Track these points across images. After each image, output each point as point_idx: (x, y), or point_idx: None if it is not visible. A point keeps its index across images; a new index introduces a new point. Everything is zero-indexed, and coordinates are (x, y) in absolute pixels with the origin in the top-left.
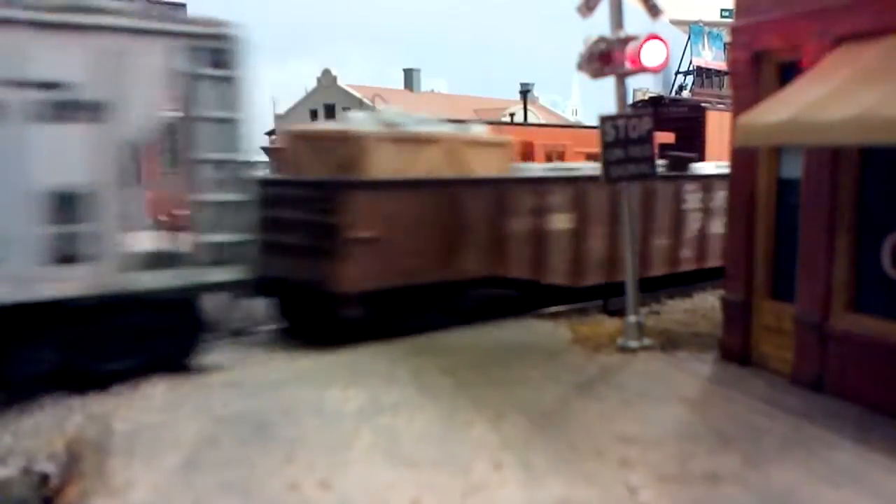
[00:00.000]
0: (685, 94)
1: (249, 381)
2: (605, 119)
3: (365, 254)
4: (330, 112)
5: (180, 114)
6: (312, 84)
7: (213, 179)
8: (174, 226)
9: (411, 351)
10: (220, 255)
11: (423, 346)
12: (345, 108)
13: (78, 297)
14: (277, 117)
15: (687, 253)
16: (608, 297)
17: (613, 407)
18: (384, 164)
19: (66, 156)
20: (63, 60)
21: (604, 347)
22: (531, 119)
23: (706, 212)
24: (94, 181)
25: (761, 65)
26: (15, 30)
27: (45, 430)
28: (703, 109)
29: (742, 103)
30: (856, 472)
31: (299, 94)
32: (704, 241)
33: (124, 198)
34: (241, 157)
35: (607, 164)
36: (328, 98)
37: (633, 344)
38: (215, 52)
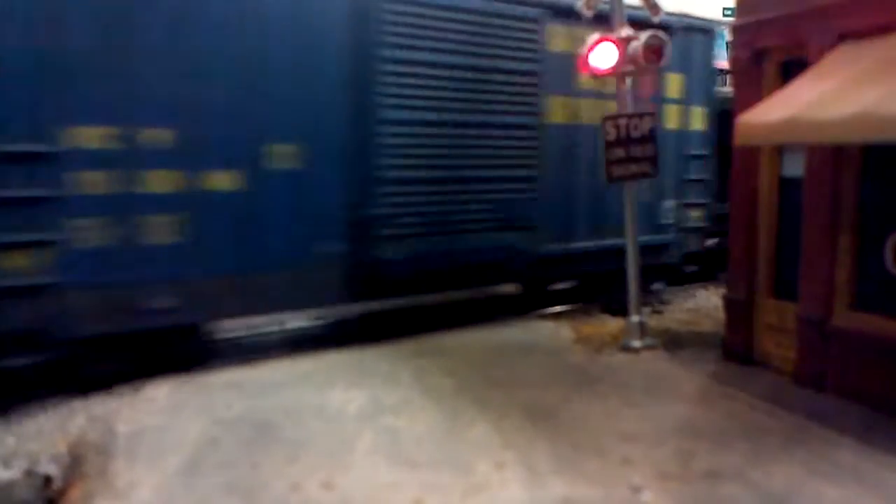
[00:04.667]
0: None
1: (251, 382)
2: (606, 118)
3: None
4: None
5: None
6: None
7: None
8: None
9: (413, 351)
10: None
11: (425, 347)
12: None
13: None
14: None
15: None
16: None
17: (616, 406)
18: None
19: None
20: None
21: (606, 347)
22: None
23: None
24: None
25: (763, 63)
26: None
27: (48, 432)
28: None
29: (744, 102)
30: (858, 471)
31: None
32: None
33: None
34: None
35: (609, 164)
36: None
37: (636, 343)
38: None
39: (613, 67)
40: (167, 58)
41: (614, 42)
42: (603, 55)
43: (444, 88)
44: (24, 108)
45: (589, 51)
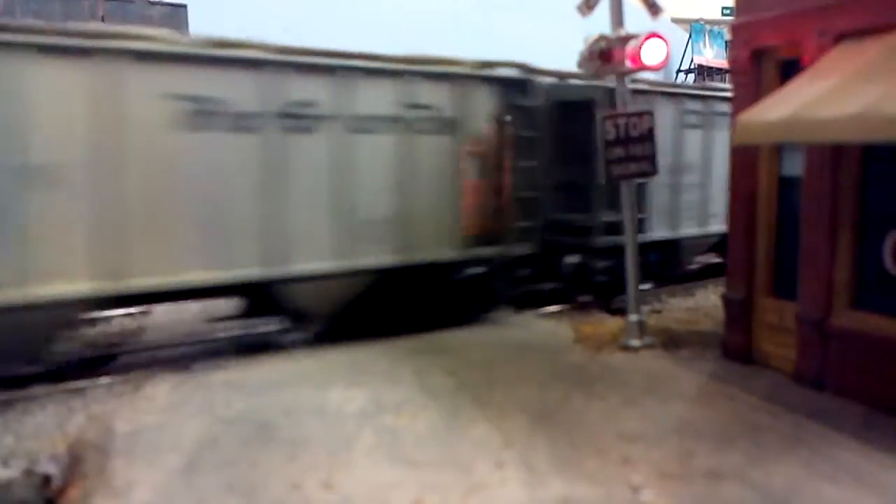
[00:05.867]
0: None
1: (251, 381)
2: (605, 117)
3: None
4: None
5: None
6: None
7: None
8: None
9: (413, 350)
10: None
11: (425, 346)
12: None
13: None
14: None
15: None
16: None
17: (615, 405)
18: None
19: None
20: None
21: (606, 346)
22: None
23: None
24: None
25: (762, 62)
26: None
27: (47, 431)
28: None
29: (743, 101)
30: (857, 470)
31: None
32: None
33: None
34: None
35: (608, 163)
36: None
37: (635, 343)
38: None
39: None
40: None
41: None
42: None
43: None
44: None
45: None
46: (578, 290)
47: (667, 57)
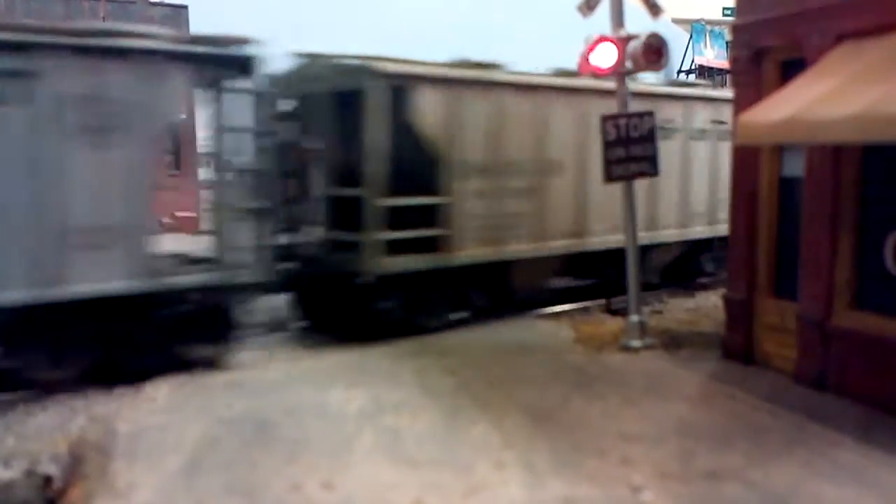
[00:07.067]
0: None
1: (252, 381)
2: (606, 118)
3: None
4: None
5: None
6: None
7: None
8: None
9: (413, 351)
10: None
11: (426, 346)
12: None
13: None
14: None
15: None
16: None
17: (616, 406)
18: None
19: None
20: None
21: (606, 347)
22: None
23: None
24: None
25: (763, 63)
26: None
27: (49, 431)
28: None
29: (744, 101)
30: (858, 470)
31: None
32: None
33: None
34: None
35: (609, 164)
36: None
37: (636, 343)
38: None
39: (614, 66)
40: None
41: (613, 41)
42: (603, 54)
43: None
44: None
45: (589, 50)
46: None
47: (668, 57)
